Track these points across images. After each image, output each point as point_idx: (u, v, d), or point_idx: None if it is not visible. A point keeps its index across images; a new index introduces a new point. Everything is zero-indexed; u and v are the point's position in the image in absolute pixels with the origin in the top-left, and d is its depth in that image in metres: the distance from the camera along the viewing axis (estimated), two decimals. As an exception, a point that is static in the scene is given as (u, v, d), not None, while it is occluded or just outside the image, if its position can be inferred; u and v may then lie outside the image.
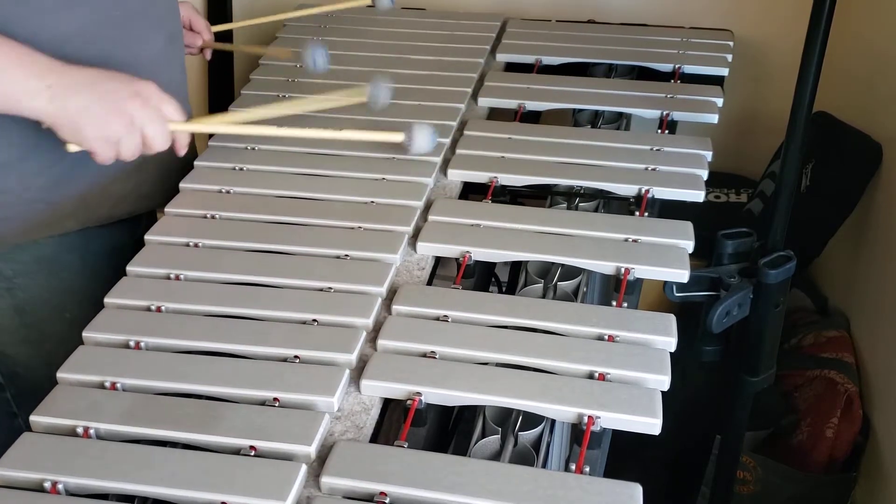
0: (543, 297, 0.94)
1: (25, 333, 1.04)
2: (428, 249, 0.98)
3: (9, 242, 0.99)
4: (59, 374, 0.80)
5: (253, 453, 0.72)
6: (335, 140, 1.11)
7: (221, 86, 1.89)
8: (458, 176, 1.12)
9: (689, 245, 0.97)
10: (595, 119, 1.29)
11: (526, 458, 0.78)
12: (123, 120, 0.90)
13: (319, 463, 0.72)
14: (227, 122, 1.08)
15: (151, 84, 0.93)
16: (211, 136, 1.16)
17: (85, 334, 0.85)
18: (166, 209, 1.02)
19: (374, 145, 1.12)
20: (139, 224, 1.10)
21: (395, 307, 0.88)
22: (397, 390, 0.79)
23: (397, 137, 1.09)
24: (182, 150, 0.98)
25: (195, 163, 1.12)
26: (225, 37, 1.74)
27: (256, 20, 1.46)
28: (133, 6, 0.99)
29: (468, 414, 0.86)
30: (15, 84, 0.86)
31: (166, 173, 1.08)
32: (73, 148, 0.91)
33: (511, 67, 1.45)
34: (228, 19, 1.88)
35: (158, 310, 0.88)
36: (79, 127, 0.88)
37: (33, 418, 0.76)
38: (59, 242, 1.03)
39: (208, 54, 1.33)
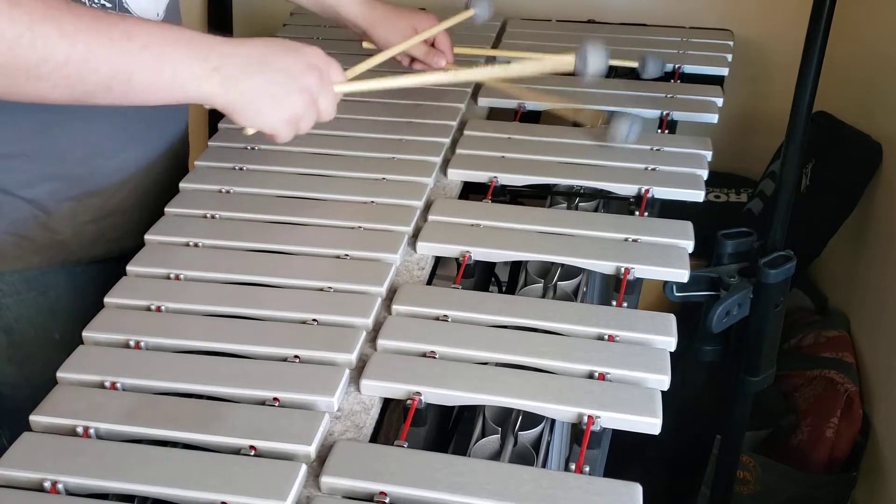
0: (543, 296, 0.94)
1: (12, 354, 1.02)
2: (428, 249, 0.98)
3: None
4: (59, 374, 0.80)
5: (253, 453, 0.72)
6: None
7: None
8: (458, 176, 1.12)
9: (689, 245, 0.97)
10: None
11: (526, 457, 0.78)
12: (304, 97, 0.86)
13: (319, 463, 0.72)
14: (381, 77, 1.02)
15: (317, 49, 0.88)
16: (211, 135, 1.16)
17: (85, 334, 0.85)
18: (166, 209, 1.02)
19: (373, 145, 1.12)
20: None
21: (395, 307, 0.88)
22: (397, 390, 0.79)
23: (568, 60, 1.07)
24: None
25: (195, 163, 1.12)
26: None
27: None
28: None
29: (468, 414, 0.86)
30: (177, 67, 0.78)
31: (145, 215, 1.03)
32: (250, 131, 0.88)
33: (511, 67, 1.44)
34: (229, 26, 1.88)
35: (158, 309, 0.88)
36: (259, 110, 0.84)
37: (33, 418, 0.76)
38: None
39: None
